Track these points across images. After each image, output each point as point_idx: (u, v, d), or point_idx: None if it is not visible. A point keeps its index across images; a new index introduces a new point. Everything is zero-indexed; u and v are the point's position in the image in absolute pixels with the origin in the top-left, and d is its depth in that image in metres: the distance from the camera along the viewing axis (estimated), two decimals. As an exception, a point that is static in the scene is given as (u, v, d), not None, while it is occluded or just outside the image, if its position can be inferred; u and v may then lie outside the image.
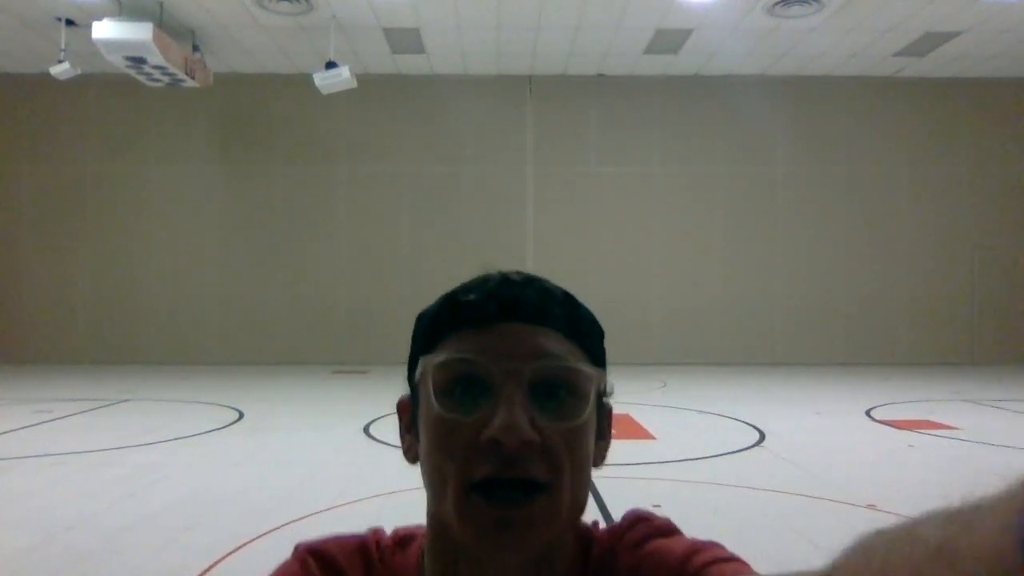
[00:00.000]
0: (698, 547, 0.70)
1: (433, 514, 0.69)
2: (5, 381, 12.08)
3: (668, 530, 0.75)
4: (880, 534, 0.43)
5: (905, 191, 15.14)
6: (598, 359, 0.71)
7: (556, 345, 0.66)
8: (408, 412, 0.74)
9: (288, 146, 15.03)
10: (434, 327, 0.69)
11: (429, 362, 0.66)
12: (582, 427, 0.65)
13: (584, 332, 0.70)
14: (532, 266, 14.83)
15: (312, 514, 4.82)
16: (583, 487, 0.66)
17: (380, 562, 0.74)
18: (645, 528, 0.75)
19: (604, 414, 0.71)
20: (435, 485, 0.65)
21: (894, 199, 15.14)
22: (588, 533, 0.78)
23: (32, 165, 14.96)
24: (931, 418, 8.68)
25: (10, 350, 14.53)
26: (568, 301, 0.70)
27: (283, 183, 15.04)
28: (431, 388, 0.65)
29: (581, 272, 13.61)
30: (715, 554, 0.69)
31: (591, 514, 0.74)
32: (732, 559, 0.69)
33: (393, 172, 15.01)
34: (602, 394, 0.69)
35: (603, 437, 0.71)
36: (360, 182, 15.02)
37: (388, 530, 0.80)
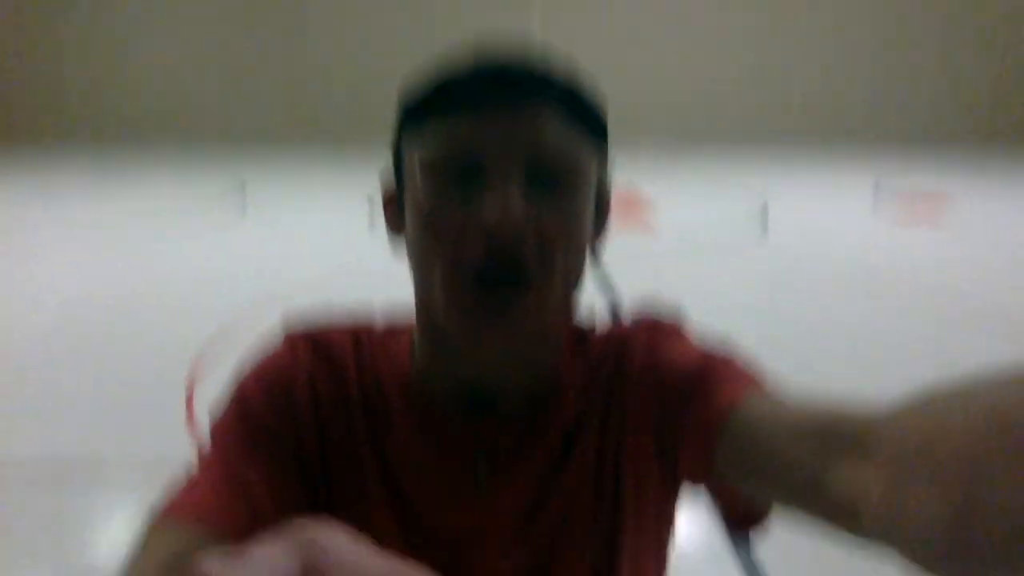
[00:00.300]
0: (713, 347, 0.67)
1: (421, 301, 0.66)
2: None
3: (678, 328, 0.72)
4: (937, 393, 0.41)
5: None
6: (600, 139, 0.64)
7: (555, 125, 0.59)
8: (392, 195, 0.68)
9: None
10: (422, 104, 0.62)
11: (419, 143, 0.61)
12: (579, 213, 0.61)
13: (584, 110, 0.62)
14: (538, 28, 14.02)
15: (315, 292, 4.95)
16: (579, 274, 0.63)
17: (369, 340, 0.72)
18: (656, 326, 0.72)
19: (603, 196, 0.66)
20: (422, 272, 0.62)
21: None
22: (584, 327, 0.75)
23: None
24: (940, 194, 8.61)
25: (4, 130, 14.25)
26: (568, 76, 0.62)
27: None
28: (418, 172, 0.60)
29: (591, 37, 12.87)
30: (732, 356, 0.66)
31: (591, 297, 0.69)
32: (748, 363, 0.65)
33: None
34: (603, 177, 0.63)
35: (601, 220, 0.67)
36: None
37: (378, 311, 0.78)
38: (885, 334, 4.28)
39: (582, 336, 0.74)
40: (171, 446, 2.97)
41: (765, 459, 0.55)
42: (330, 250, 6.12)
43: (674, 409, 0.65)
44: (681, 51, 14.53)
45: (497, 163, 0.57)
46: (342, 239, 6.51)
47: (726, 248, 6.19)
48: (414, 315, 0.73)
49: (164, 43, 14.45)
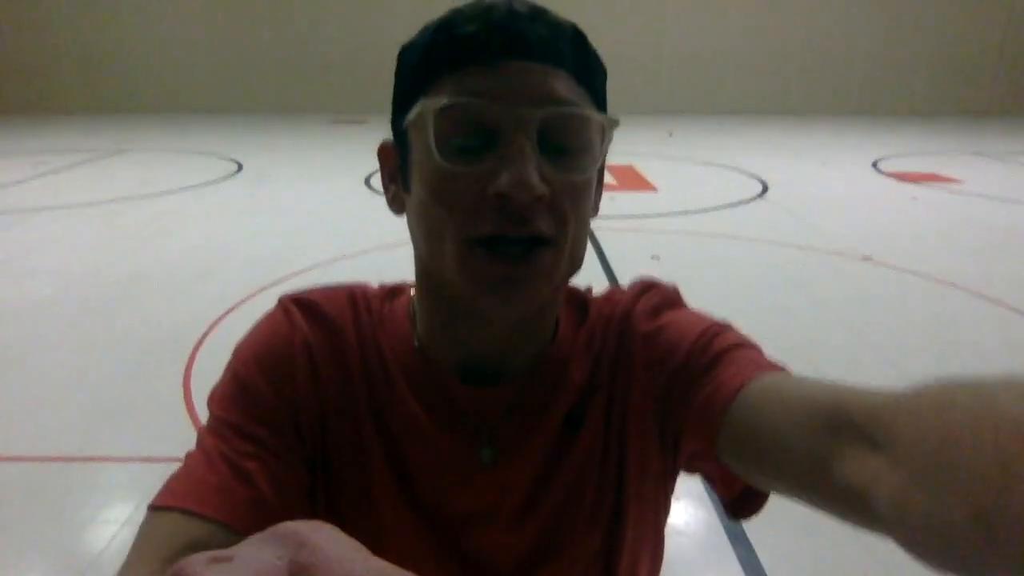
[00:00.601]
0: (717, 328, 0.67)
1: (426, 269, 0.65)
2: (-3, 131, 11.86)
3: (678, 299, 0.73)
4: (952, 389, 0.41)
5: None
6: (602, 103, 0.64)
7: (567, 88, 0.58)
8: (393, 159, 0.66)
9: None
10: (427, 63, 0.60)
11: (428, 106, 0.57)
12: (588, 180, 0.60)
13: (592, 73, 0.62)
14: None
15: (319, 264, 4.94)
16: (584, 241, 0.63)
17: (367, 311, 0.71)
18: (657, 296, 0.72)
19: (602, 165, 0.65)
20: (431, 240, 0.60)
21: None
22: (582, 296, 0.74)
23: None
24: (938, 171, 8.59)
25: (-5, 99, 14.10)
26: (577, 37, 0.61)
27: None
28: (431, 135, 0.57)
29: (588, 11, 12.72)
30: (736, 338, 0.65)
31: (592, 265, 0.68)
32: (752, 346, 0.65)
33: None
34: (605, 143, 0.62)
35: (599, 185, 0.66)
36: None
37: (373, 284, 0.76)
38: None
39: (581, 303, 0.73)
40: (167, 432, 2.97)
41: (768, 446, 0.54)
42: (330, 227, 6.09)
43: (676, 393, 0.64)
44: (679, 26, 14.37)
45: (511, 129, 0.56)
46: (342, 218, 6.47)
47: (728, 208, 6.19)
48: (414, 282, 0.72)
49: (159, 21, 14.25)
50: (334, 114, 13.82)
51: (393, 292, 0.73)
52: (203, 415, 2.48)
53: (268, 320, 0.70)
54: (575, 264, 0.63)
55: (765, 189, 7.58)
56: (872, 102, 14.46)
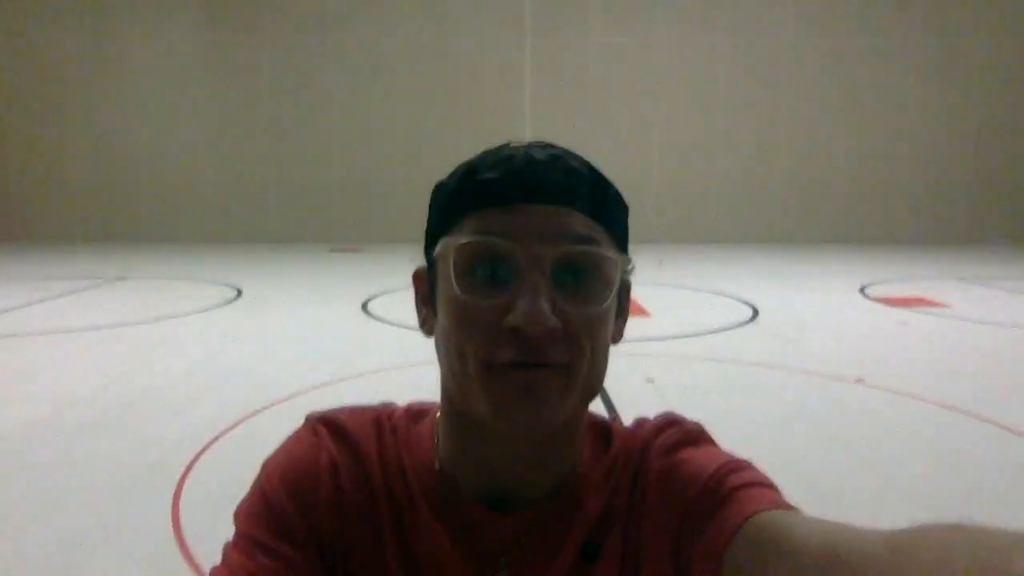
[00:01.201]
0: (733, 465, 0.68)
1: (450, 392, 0.68)
2: (0, 259, 12.08)
3: (699, 436, 0.74)
4: (953, 544, 0.42)
5: (913, 67, 14.63)
6: (622, 238, 0.69)
7: (581, 228, 0.63)
8: (424, 284, 0.71)
9: (275, 17, 14.36)
10: (453, 203, 0.66)
11: (450, 244, 0.63)
12: (604, 311, 0.64)
13: (609, 212, 0.67)
14: (530, 134, 14.57)
15: (315, 388, 4.93)
16: (602, 369, 0.65)
17: (392, 432, 0.73)
18: (678, 433, 0.73)
19: (624, 291, 0.70)
20: (454, 364, 0.64)
21: (901, 75, 14.66)
22: (607, 426, 0.76)
23: (4, 38, 14.32)
24: (925, 296, 8.78)
25: (1, 228, 14.46)
26: (595, 180, 0.66)
27: (271, 56, 14.48)
28: (451, 269, 0.62)
29: (576, 144, 13.27)
30: (750, 476, 0.67)
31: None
32: (767, 485, 0.66)
33: (386, 41, 14.41)
34: (625, 274, 0.67)
35: (621, 314, 0.70)
36: (351, 52, 14.46)
37: (399, 403, 0.79)
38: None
39: (606, 432, 0.76)
40: (154, 556, 2.89)
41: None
42: (327, 353, 6.12)
43: (688, 531, 0.66)
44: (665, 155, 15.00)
45: (525, 265, 0.60)
46: (339, 342, 6.52)
47: (720, 333, 6.25)
48: (438, 405, 0.75)
49: (163, 154, 14.85)
50: (332, 243, 14.19)
51: (419, 414, 0.76)
52: (191, 538, 2.45)
53: (296, 439, 0.72)
54: (592, 391, 0.65)
55: (756, 314, 7.71)
56: (855, 231, 14.94)
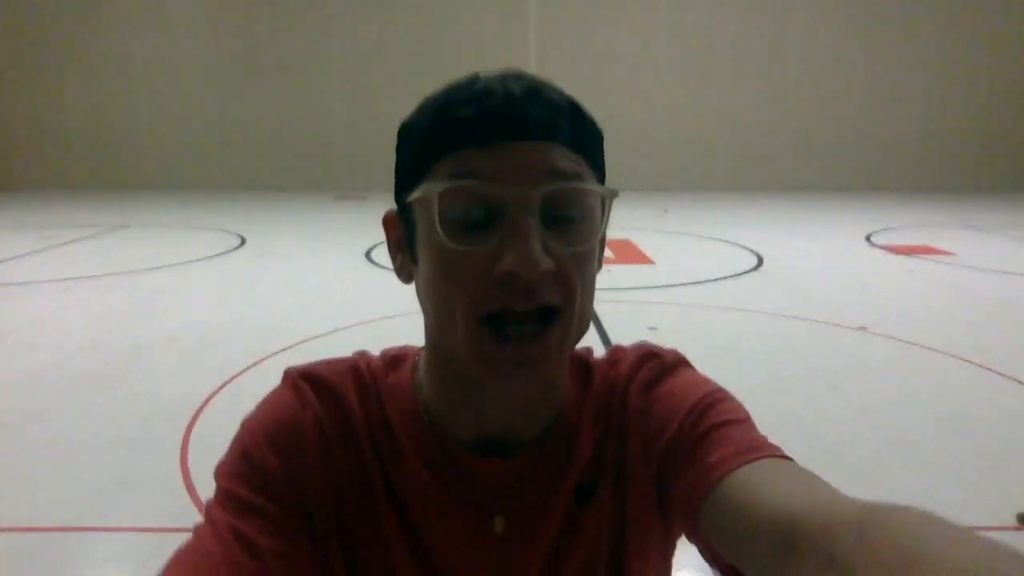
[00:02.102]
0: (708, 399, 0.67)
1: (436, 342, 0.66)
2: (4, 208, 12.06)
3: (677, 364, 0.73)
4: (914, 523, 0.42)
5: (923, 11, 14.25)
6: (601, 168, 0.66)
7: (565, 163, 0.60)
8: (398, 229, 0.68)
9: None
10: (427, 144, 0.61)
11: (432, 189, 0.59)
12: (591, 251, 0.62)
13: (589, 143, 0.64)
14: (535, 69, 14.51)
15: (319, 336, 4.96)
16: (590, 306, 0.64)
17: (373, 383, 0.71)
18: (656, 367, 0.72)
19: (603, 232, 0.66)
20: (440, 315, 0.62)
21: (911, 20, 14.29)
22: (585, 360, 0.75)
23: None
24: (931, 243, 8.72)
25: (4, 177, 14.38)
26: (573, 110, 0.63)
27: (272, 1, 14.18)
28: (435, 216, 0.59)
29: (582, 89, 13.06)
30: (725, 411, 0.66)
31: (591, 337, 0.71)
32: (741, 419, 0.65)
33: (386, -16, 14.08)
34: (605, 209, 0.63)
35: (602, 246, 0.68)
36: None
37: (375, 352, 0.77)
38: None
39: (584, 365, 0.74)
40: (164, 502, 2.94)
41: (736, 541, 0.56)
42: (330, 300, 6.14)
43: (668, 468, 0.65)
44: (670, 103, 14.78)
45: (513, 207, 0.57)
46: (343, 290, 6.53)
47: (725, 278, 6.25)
48: (414, 350, 0.74)
49: (166, 100, 14.68)
50: (336, 191, 14.10)
51: (395, 360, 0.74)
52: (200, 485, 2.48)
53: (277, 395, 0.70)
54: (582, 329, 0.63)
55: (760, 262, 7.68)
56: (861, 178, 14.78)
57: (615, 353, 0.76)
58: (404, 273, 0.68)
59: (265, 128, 14.64)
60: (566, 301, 0.59)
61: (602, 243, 0.67)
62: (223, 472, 0.65)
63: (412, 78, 14.08)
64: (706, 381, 0.71)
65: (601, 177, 0.65)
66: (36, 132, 14.60)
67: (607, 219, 0.63)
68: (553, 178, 0.59)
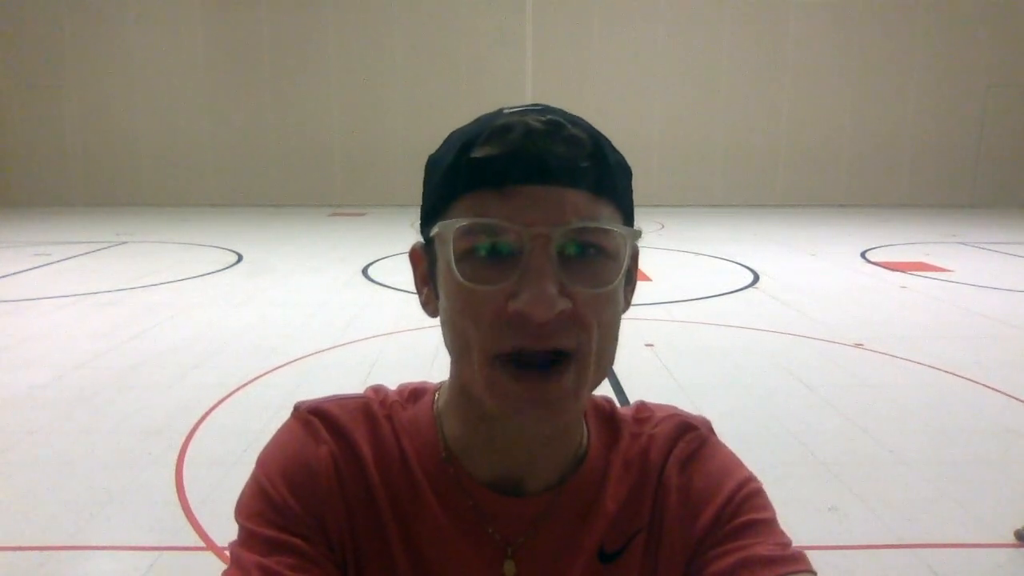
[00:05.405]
0: (743, 494, 0.69)
1: (457, 376, 0.66)
2: (1, 225, 12.05)
3: (708, 440, 0.74)
4: None
5: (919, 25, 14.40)
6: (628, 208, 0.65)
7: (585, 204, 0.59)
8: (423, 263, 0.68)
9: (271, -26, 14.12)
10: (448, 181, 0.62)
11: (448, 227, 0.59)
12: (612, 291, 0.61)
13: (612, 182, 0.63)
14: (531, 93, 14.33)
15: (316, 352, 4.96)
16: (611, 349, 0.63)
17: (387, 419, 0.71)
18: (694, 441, 0.73)
19: (633, 260, 0.66)
20: (459, 350, 0.62)
21: (907, 35, 14.43)
22: (611, 412, 0.75)
23: (2, 2, 14.11)
24: (926, 260, 8.76)
25: (0, 193, 14.39)
26: (597, 150, 0.62)
27: (271, 17, 14.25)
28: (451, 254, 0.59)
29: (577, 104, 13.12)
30: (758, 505, 0.68)
31: None
32: (769, 520, 0.67)
33: (384, 2, 14.18)
34: (632, 246, 0.63)
35: (630, 283, 0.68)
36: (351, 12, 14.23)
37: (391, 385, 0.77)
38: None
39: (609, 418, 0.75)
40: (159, 520, 2.93)
41: None
42: (327, 317, 6.13)
43: (701, 550, 0.67)
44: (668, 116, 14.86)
45: (530, 247, 0.57)
46: (340, 307, 6.52)
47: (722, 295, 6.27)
48: (434, 385, 0.74)
49: (163, 117, 14.72)
50: (333, 207, 14.12)
51: (415, 394, 0.74)
52: (196, 503, 2.47)
53: (290, 432, 0.69)
54: (601, 371, 0.63)
55: (756, 279, 7.71)
56: (857, 195, 14.86)
57: (641, 410, 0.76)
58: (430, 307, 0.68)
59: (262, 144, 14.68)
60: (580, 342, 0.59)
61: (630, 281, 0.68)
62: (244, 513, 0.65)
63: (410, 96, 14.16)
64: (739, 464, 0.72)
65: (627, 216, 0.65)
66: (32, 149, 14.63)
67: (628, 258, 0.62)
68: (571, 218, 0.58)
